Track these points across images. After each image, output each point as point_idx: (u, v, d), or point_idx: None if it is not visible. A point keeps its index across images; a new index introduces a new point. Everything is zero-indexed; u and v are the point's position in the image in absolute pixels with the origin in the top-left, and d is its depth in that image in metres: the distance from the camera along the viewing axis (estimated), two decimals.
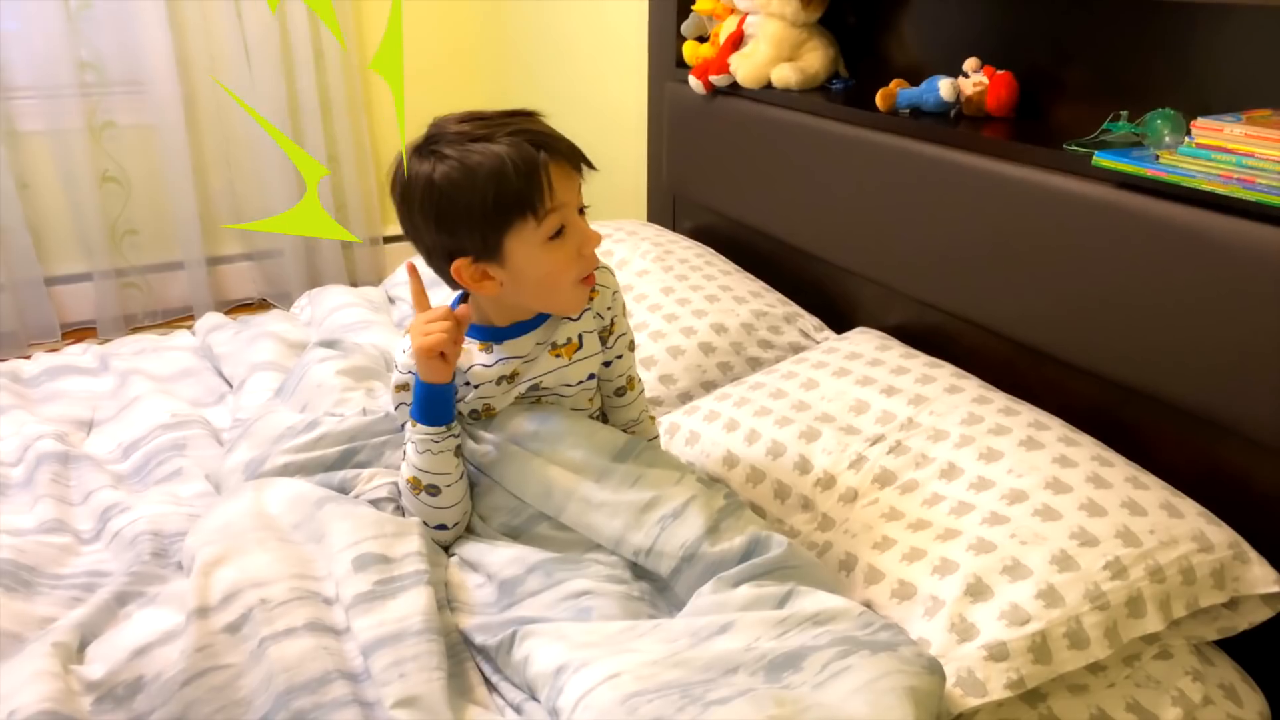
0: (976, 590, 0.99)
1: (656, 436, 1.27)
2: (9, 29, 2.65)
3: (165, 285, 3.04)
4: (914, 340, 1.49)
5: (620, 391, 1.20)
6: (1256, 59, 1.16)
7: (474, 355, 1.10)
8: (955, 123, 1.44)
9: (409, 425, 1.08)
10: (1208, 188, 1.05)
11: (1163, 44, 1.25)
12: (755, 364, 1.54)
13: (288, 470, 1.15)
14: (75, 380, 1.51)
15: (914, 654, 0.88)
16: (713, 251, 1.83)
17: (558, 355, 1.12)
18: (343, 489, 1.13)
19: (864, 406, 1.30)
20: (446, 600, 1.02)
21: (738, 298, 1.63)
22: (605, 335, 1.16)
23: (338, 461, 1.17)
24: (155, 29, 2.78)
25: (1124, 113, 1.24)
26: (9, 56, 2.66)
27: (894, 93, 1.48)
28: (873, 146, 1.51)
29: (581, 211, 1.05)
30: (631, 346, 1.20)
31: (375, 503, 1.12)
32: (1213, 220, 1.07)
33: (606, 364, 1.17)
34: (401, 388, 1.11)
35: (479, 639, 0.98)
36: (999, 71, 1.42)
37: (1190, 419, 1.16)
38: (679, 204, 2.12)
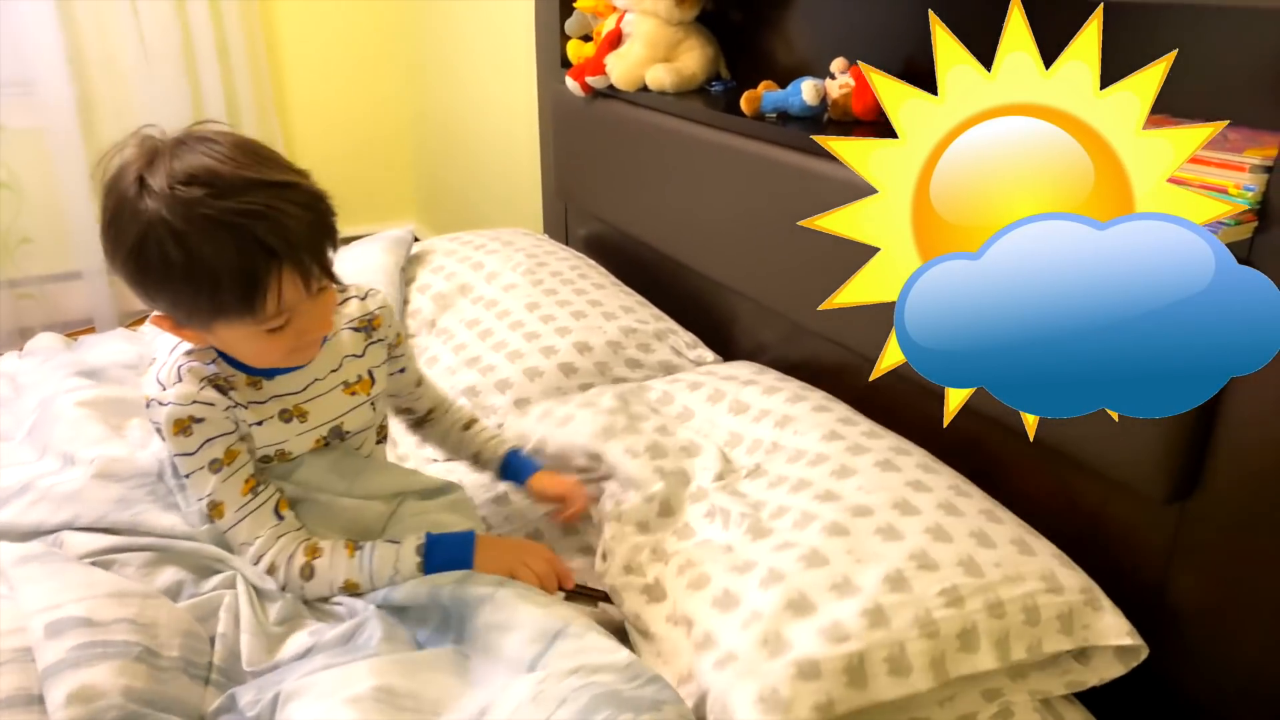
0: (800, 605, 0.90)
1: (475, 419, 1.25)
2: None
3: (63, 296, 2.92)
4: (785, 364, 1.40)
5: (419, 382, 1.20)
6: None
7: (246, 394, 1.00)
8: (824, 128, 1.35)
9: (406, 559, 0.99)
10: None
11: (1046, 43, 1.16)
12: (622, 383, 1.44)
13: (2, 538, 1.02)
14: None
15: (677, 715, 0.82)
16: (590, 263, 1.73)
17: (353, 393, 1.06)
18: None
19: (736, 438, 1.22)
20: (205, 673, 0.91)
21: (607, 313, 1.53)
22: (392, 355, 1.14)
23: (57, 528, 1.02)
24: (43, 26, 2.65)
25: None
26: None
27: (759, 96, 1.39)
28: (741, 153, 1.41)
29: (321, 289, 0.93)
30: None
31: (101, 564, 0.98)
32: None
33: (401, 370, 1.16)
34: (184, 425, 0.96)
35: (242, 701, 0.87)
36: None
37: (1050, 452, 1.08)
38: (570, 211, 2.02)
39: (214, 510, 0.99)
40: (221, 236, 0.84)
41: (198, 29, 2.84)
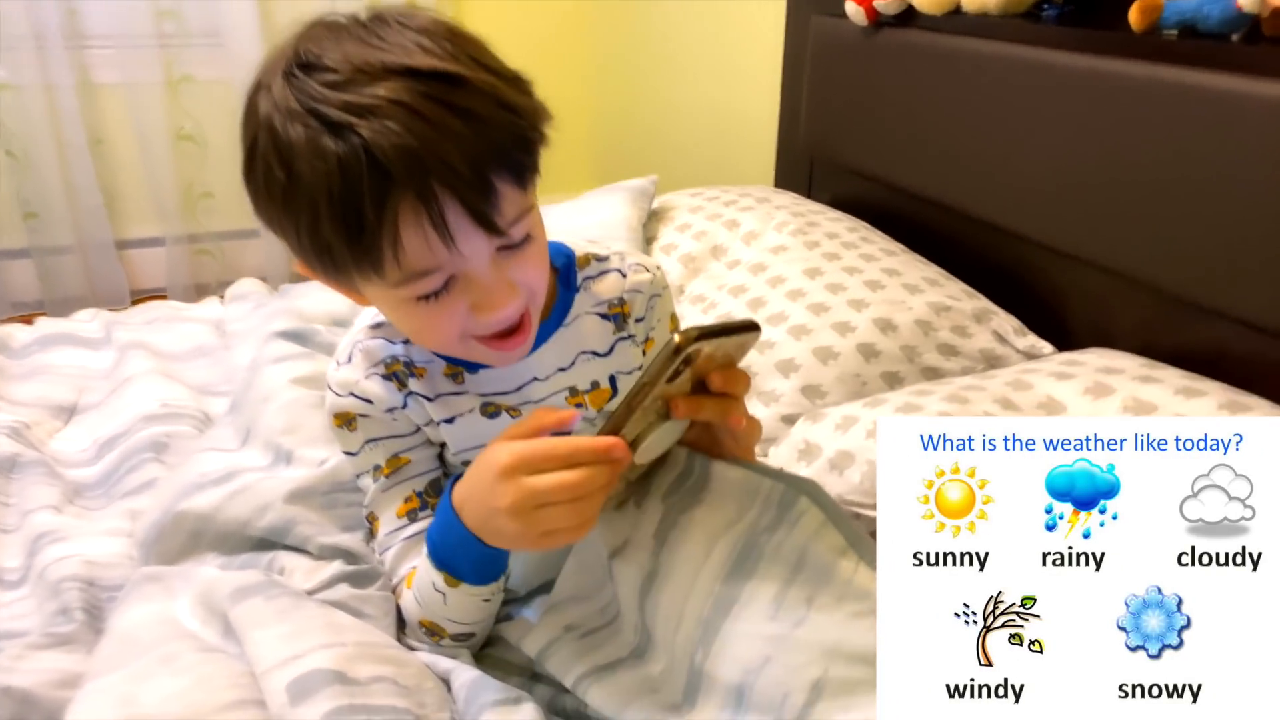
0: None
1: None
2: None
3: (240, 253, 2.84)
4: (1158, 356, 1.07)
5: None
6: None
7: (438, 384, 0.74)
8: (1252, 45, 1.01)
9: (429, 571, 0.70)
10: None
11: None
12: (933, 375, 1.14)
13: (198, 544, 0.79)
14: (68, 352, 1.20)
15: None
16: (868, 226, 1.43)
17: (579, 404, 0.77)
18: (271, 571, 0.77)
19: None
20: None
21: (909, 285, 1.23)
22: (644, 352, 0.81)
23: (267, 535, 0.79)
24: None
25: None
26: (86, 3, 2.47)
27: (1158, 5, 1.06)
28: (1112, 82, 1.09)
29: (515, 246, 0.63)
30: None
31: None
32: None
33: None
34: (343, 418, 0.75)
35: None
36: None
37: None
38: (817, 168, 1.72)
39: (371, 523, 0.78)
40: (325, 145, 0.57)
41: None
